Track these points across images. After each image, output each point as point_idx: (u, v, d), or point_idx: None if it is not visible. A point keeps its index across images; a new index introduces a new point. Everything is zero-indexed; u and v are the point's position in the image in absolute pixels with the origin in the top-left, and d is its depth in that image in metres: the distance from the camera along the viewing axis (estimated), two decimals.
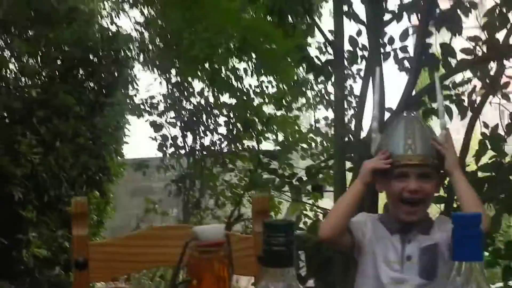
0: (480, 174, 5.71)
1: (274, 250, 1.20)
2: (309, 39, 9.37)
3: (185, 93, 11.20)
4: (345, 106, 7.29)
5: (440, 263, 3.17)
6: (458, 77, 6.40)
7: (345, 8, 6.29)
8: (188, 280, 1.05)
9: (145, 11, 12.57)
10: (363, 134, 6.05)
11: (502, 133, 5.80)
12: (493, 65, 5.93)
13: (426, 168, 3.25)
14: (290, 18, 7.30)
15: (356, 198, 3.41)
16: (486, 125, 5.95)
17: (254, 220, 2.58)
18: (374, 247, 3.33)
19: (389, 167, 3.32)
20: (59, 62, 10.30)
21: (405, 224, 3.29)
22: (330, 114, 9.90)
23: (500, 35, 5.82)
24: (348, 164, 6.14)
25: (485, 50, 5.85)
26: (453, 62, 5.98)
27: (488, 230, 3.14)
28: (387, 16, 6.11)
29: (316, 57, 7.58)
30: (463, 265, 1.34)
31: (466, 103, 6.15)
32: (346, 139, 6.25)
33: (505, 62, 5.88)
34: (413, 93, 6.04)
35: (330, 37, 6.56)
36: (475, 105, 6.03)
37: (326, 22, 7.02)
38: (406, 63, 6.15)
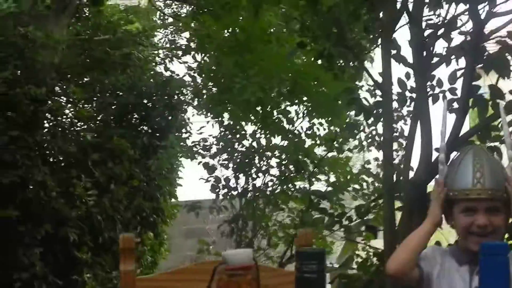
0: None
1: (306, 277, 1.35)
2: (362, 82, 9.51)
3: (237, 135, 11.27)
4: (395, 147, 7.34)
5: None
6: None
7: (394, 51, 6.35)
8: None
9: (198, 57, 12.70)
10: (412, 174, 6.09)
11: None
12: None
13: (495, 202, 3.13)
14: (339, 62, 7.45)
15: (425, 237, 3.38)
16: None
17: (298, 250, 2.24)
18: (441, 279, 3.27)
19: (456, 199, 3.26)
20: (113, 107, 10.44)
21: (474, 255, 3.03)
22: (381, 155, 9.85)
23: None
24: (398, 204, 6.22)
25: None
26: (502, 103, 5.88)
27: None
28: (435, 59, 6.14)
29: (365, 99, 7.77)
30: None
31: None
32: (395, 179, 6.27)
33: None
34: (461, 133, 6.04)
35: (380, 79, 6.53)
36: None
37: (378, 66, 7.04)
38: (456, 105, 6.14)
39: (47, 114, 10.11)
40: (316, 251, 1.26)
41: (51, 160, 9.87)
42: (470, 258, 3.16)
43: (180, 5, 16.46)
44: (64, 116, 10.52)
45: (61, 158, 10.00)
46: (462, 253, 3.27)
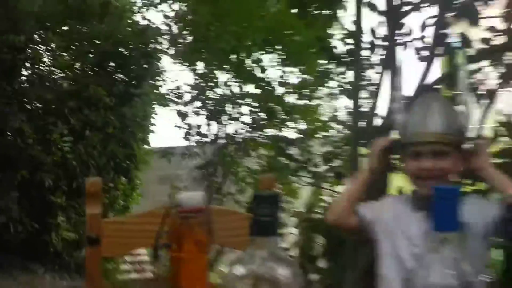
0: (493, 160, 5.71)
1: (260, 220, 1.29)
2: (335, 31, 9.48)
3: (211, 83, 11.31)
4: (366, 95, 7.35)
5: (472, 246, 2.72)
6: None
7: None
8: (168, 245, 1.14)
9: (175, 6, 12.70)
10: (380, 122, 6.14)
11: None
12: (509, 55, 5.89)
13: (442, 146, 3.09)
14: (312, 10, 7.43)
15: (361, 184, 3.39)
16: (500, 113, 5.99)
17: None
18: (393, 225, 3.26)
19: (406, 144, 3.25)
20: (90, 55, 10.47)
21: (428, 201, 3.14)
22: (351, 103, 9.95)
23: None
24: (365, 150, 6.20)
25: (502, 40, 5.88)
26: (471, 51, 5.95)
27: None
28: (406, 8, 6.11)
29: (336, 47, 7.73)
30: (442, 235, 1.37)
31: (482, 92, 6.21)
32: (363, 126, 6.27)
33: None
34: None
35: (353, 28, 6.60)
36: (491, 93, 5.94)
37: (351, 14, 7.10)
38: (424, 53, 6.09)
39: (25, 62, 10.06)
40: (270, 194, 1.32)
41: (29, 107, 9.86)
42: (424, 204, 3.07)
43: None
44: (42, 64, 10.56)
45: (38, 105, 9.95)
46: (417, 200, 3.24)
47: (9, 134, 9.46)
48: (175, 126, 11.16)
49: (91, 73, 10.44)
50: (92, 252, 2.35)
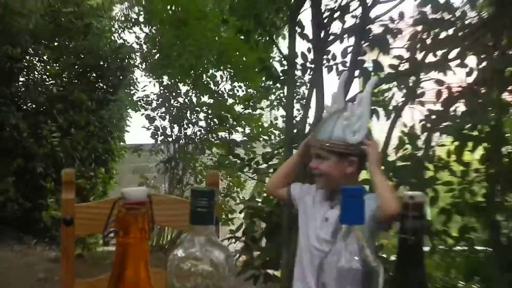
0: (398, 163, 5.69)
1: (198, 211, 1.26)
2: (273, 54, 9.56)
3: (174, 93, 11.33)
4: (297, 107, 7.38)
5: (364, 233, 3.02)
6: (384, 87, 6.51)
7: (299, 30, 6.34)
8: (115, 230, 1.06)
9: (145, 29, 12.66)
10: (307, 129, 6.08)
11: (418, 132, 5.85)
12: (412, 78, 6.02)
13: (321, 151, 3.07)
14: (255, 37, 7.49)
15: (290, 164, 3.43)
16: (405, 125, 6.02)
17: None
18: (309, 208, 3.23)
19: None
20: (76, 66, 10.41)
21: (331, 193, 3.13)
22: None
23: (419, 56, 5.96)
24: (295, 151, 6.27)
25: (407, 66, 6.02)
26: (382, 74, 6.09)
27: (398, 211, 2.75)
28: (331, 37, 6.15)
29: (275, 68, 7.86)
30: (346, 227, 1.35)
31: (390, 107, 6.30)
32: (295, 132, 6.27)
33: (421, 76, 5.98)
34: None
35: (287, 52, 6.56)
36: (397, 109, 6.12)
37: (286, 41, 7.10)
38: (344, 75, 6.02)
39: (21, 70, 10.01)
40: (207, 189, 1.22)
41: (24, 107, 9.80)
42: (328, 195, 3.17)
43: None
44: (36, 73, 10.47)
45: (32, 106, 9.92)
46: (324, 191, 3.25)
47: (7, 129, 9.40)
48: (144, 127, 11.18)
49: (76, 81, 10.33)
50: (66, 231, 2.35)
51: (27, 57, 10.29)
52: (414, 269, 1.26)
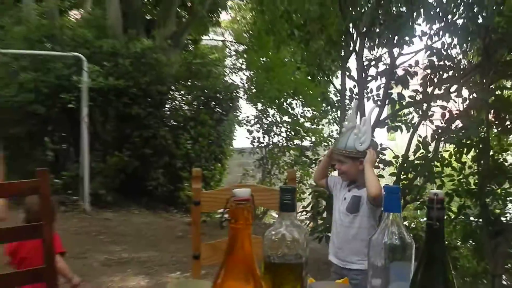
0: (416, 162, 5.71)
1: (285, 202, 1.24)
2: (330, 88, 9.51)
3: (265, 115, 11.40)
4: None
5: (361, 208, 3.01)
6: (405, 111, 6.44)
7: (347, 73, 6.32)
8: (228, 219, 1.05)
9: (246, 73, 12.79)
10: None
11: (429, 141, 5.76)
12: (424, 105, 5.89)
13: (340, 157, 3.03)
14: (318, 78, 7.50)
15: (323, 163, 3.34)
16: (420, 136, 5.91)
17: (288, 182, 2.45)
18: (336, 192, 3.19)
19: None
20: (202, 98, 10.53)
21: (349, 183, 3.10)
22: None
23: (429, 89, 5.83)
24: None
25: (421, 96, 5.89)
26: (403, 103, 6.00)
27: (378, 194, 2.84)
28: (369, 78, 6.11)
29: (332, 98, 7.83)
30: (389, 215, 1.29)
31: (409, 124, 6.21)
32: None
33: (431, 103, 5.87)
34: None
35: (339, 87, 6.63)
36: (414, 126, 6.06)
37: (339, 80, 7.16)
38: (378, 102, 6.05)
39: (167, 100, 10.14)
40: (291, 188, 1.20)
41: (169, 124, 9.92)
42: (347, 183, 3.12)
43: (238, 45, 16.41)
44: (176, 102, 10.58)
45: (174, 124, 10.03)
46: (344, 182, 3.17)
47: (158, 138, 9.45)
48: (246, 137, 11.26)
49: (202, 107, 10.42)
50: (195, 209, 2.35)
51: (171, 92, 10.27)
52: (438, 245, 1.20)
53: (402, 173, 5.86)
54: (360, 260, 2.96)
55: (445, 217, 5.43)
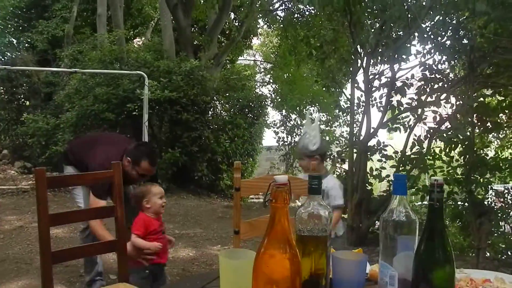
0: (412, 156, 5.67)
1: (313, 187, 1.22)
2: (342, 98, 9.46)
3: (288, 119, 11.38)
4: (354, 126, 7.24)
5: (326, 196, 3.05)
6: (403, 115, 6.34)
7: (356, 85, 6.11)
8: (270, 199, 1.04)
9: (273, 86, 12.80)
10: (360, 138, 6.07)
11: (422, 139, 5.71)
12: (419, 110, 5.84)
13: (300, 155, 3.16)
14: (331, 89, 7.44)
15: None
16: (415, 135, 5.82)
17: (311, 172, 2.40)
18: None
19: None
20: (237, 106, 10.55)
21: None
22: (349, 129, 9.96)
23: (423, 97, 5.74)
24: (355, 150, 6.16)
25: (416, 103, 5.82)
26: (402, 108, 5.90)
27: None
28: (373, 88, 6.00)
29: (343, 105, 7.74)
30: (397, 197, 1.26)
31: (407, 125, 6.15)
32: (354, 140, 6.17)
33: (425, 108, 5.81)
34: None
35: (349, 96, 6.46)
36: (411, 127, 5.91)
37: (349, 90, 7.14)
38: (381, 108, 5.99)
39: (210, 108, 10.15)
40: (317, 175, 1.19)
41: (211, 127, 9.92)
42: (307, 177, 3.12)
43: (266, 63, 16.41)
44: (217, 109, 10.60)
45: (215, 127, 10.03)
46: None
47: (203, 138, 9.40)
48: (273, 137, 11.27)
49: (237, 113, 10.38)
50: (236, 194, 2.30)
51: (212, 101, 10.24)
52: (438, 221, 1.17)
53: (401, 165, 5.77)
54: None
55: None
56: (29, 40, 12.89)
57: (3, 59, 13.51)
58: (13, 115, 11.19)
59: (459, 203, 5.38)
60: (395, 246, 1.26)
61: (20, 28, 14.19)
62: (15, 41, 14.35)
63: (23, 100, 11.68)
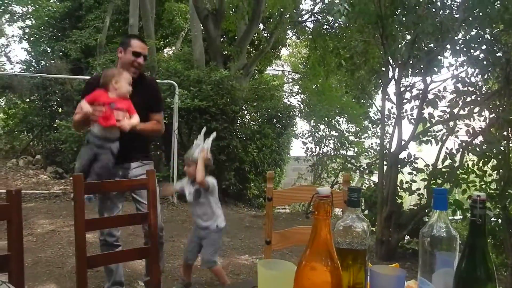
0: (443, 170, 5.60)
1: (352, 199, 1.21)
2: (372, 109, 9.38)
3: (316, 130, 11.32)
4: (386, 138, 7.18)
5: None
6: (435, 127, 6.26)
7: (387, 96, 6.14)
8: (312, 211, 1.03)
9: (302, 96, 12.79)
10: (392, 150, 6.01)
11: (454, 152, 5.62)
12: (451, 123, 5.77)
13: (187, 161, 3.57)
14: (362, 100, 7.39)
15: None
16: (447, 148, 5.74)
17: (343, 184, 2.39)
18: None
19: None
20: (266, 115, 10.56)
21: (191, 180, 3.60)
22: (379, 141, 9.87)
23: (455, 110, 5.67)
24: (385, 162, 6.10)
25: (448, 116, 5.76)
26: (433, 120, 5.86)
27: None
28: (405, 100, 5.98)
29: (373, 116, 7.68)
30: (437, 211, 1.25)
31: (438, 138, 6.05)
32: (384, 151, 6.11)
33: (457, 121, 5.74)
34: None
35: (380, 108, 6.44)
36: (443, 140, 5.83)
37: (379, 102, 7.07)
38: (412, 121, 5.96)
39: (239, 117, 10.18)
40: (357, 188, 1.18)
41: (239, 136, 9.92)
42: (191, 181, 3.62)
43: (294, 74, 16.42)
44: (245, 118, 10.62)
45: (243, 136, 10.04)
46: None
47: (231, 147, 9.40)
48: (301, 147, 11.24)
49: (266, 123, 10.37)
50: (268, 204, 2.30)
51: (241, 111, 10.27)
52: (480, 238, 1.14)
53: (432, 179, 5.68)
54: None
55: (468, 217, 5.30)
56: (63, 49, 13.22)
57: (38, 67, 13.85)
58: (46, 122, 11.45)
59: (492, 219, 5.25)
60: (434, 262, 1.24)
61: (55, 37, 14.58)
62: (49, 49, 14.73)
63: (56, 107, 11.95)
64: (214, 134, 3.84)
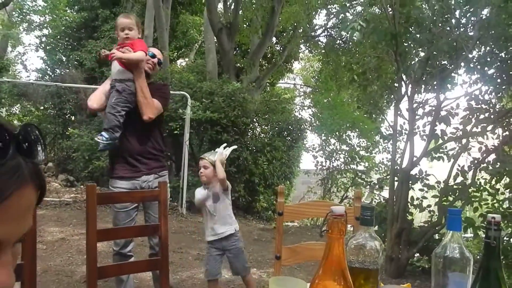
0: (455, 187, 5.58)
1: (365, 218, 1.20)
2: (383, 124, 9.33)
3: (327, 143, 11.26)
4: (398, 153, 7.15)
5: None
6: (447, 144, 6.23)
7: (399, 112, 6.07)
8: (326, 230, 1.03)
9: (313, 110, 12.77)
10: (403, 166, 5.96)
11: (466, 169, 5.61)
12: (464, 140, 5.77)
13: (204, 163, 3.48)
14: (373, 115, 7.37)
15: None
16: (459, 165, 5.73)
17: (355, 200, 2.34)
18: None
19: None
20: (276, 128, 10.55)
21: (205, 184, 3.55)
22: (390, 156, 9.76)
23: (468, 127, 5.68)
24: (396, 178, 6.07)
25: (461, 133, 5.76)
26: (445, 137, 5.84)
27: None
28: (417, 117, 5.97)
29: (384, 132, 7.65)
30: (451, 232, 1.24)
31: (450, 155, 6.01)
32: (396, 167, 6.07)
33: (469, 139, 5.72)
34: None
35: (392, 123, 6.43)
36: (455, 156, 5.82)
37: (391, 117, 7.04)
38: (424, 137, 5.95)
39: (249, 130, 10.17)
40: (370, 206, 1.18)
41: (250, 148, 9.89)
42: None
43: (306, 87, 16.46)
44: (256, 131, 10.63)
45: (254, 149, 10.00)
46: None
47: (241, 159, 9.38)
48: (312, 161, 11.18)
49: (276, 135, 10.36)
50: (279, 219, 2.29)
51: (252, 123, 10.27)
52: (494, 260, 1.15)
53: (444, 196, 5.63)
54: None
55: (479, 235, 5.24)
56: (78, 58, 13.38)
57: (53, 76, 14.03)
58: (59, 129, 11.57)
59: (505, 238, 5.18)
60: (447, 283, 1.23)
61: (70, 46, 14.77)
62: (65, 59, 14.92)
63: (69, 115, 12.07)
64: (235, 147, 3.84)
